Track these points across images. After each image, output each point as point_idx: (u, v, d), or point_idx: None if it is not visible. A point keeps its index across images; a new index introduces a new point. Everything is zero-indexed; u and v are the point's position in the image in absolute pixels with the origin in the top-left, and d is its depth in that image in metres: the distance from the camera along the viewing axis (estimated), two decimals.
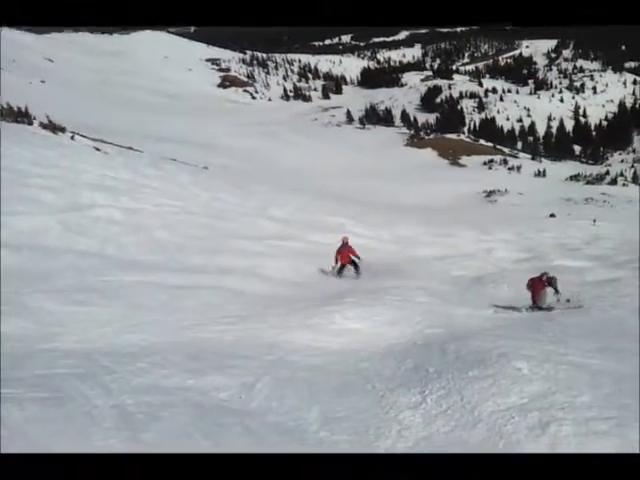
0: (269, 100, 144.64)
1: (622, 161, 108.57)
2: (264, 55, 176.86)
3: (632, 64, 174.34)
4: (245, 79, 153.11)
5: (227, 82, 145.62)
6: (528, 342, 7.27)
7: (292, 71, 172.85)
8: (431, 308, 10.19)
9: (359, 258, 14.13)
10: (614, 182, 72.96)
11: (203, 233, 14.77)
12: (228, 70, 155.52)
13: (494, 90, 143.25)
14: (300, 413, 5.11)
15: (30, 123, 21.42)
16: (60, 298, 8.20)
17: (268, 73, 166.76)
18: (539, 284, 10.77)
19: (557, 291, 10.76)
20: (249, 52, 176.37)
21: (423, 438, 4.70)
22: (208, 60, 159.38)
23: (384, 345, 7.71)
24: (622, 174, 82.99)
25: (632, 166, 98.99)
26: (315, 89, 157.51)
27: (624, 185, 72.57)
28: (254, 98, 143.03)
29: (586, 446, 4.37)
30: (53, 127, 22.71)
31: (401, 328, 8.68)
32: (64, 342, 6.58)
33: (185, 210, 16.63)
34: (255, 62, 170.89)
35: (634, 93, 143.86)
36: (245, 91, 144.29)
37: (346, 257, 13.95)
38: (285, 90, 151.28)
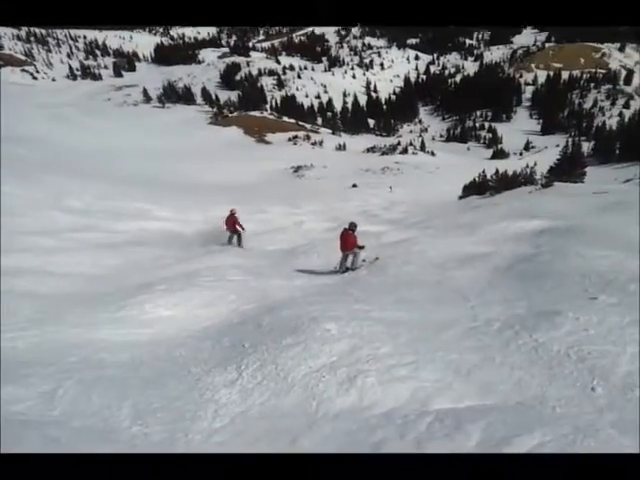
0: (53, 80, 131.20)
1: (411, 132, 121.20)
2: (43, 31, 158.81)
3: (413, 41, 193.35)
4: (22, 57, 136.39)
5: (1, 61, 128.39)
6: (337, 304, 7.72)
7: (77, 48, 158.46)
8: (246, 285, 10.25)
9: (243, 229, 16.36)
10: (405, 151, 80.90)
11: None
12: (0, 48, 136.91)
13: (291, 67, 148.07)
14: (109, 412, 4.75)
15: None
16: None
17: (49, 51, 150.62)
18: (347, 236, 11.59)
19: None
20: (24, 28, 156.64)
21: (239, 413, 4.71)
22: None
23: (199, 328, 7.54)
24: (411, 143, 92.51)
25: (419, 135, 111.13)
26: (105, 67, 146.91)
27: (414, 153, 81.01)
28: (35, 78, 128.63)
29: (389, 391, 4.77)
30: None
31: (217, 309, 8.58)
32: None
33: None
34: (33, 39, 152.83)
35: (417, 68, 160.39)
36: (24, 71, 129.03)
37: (231, 225, 16.16)
38: (71, 68, 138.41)
